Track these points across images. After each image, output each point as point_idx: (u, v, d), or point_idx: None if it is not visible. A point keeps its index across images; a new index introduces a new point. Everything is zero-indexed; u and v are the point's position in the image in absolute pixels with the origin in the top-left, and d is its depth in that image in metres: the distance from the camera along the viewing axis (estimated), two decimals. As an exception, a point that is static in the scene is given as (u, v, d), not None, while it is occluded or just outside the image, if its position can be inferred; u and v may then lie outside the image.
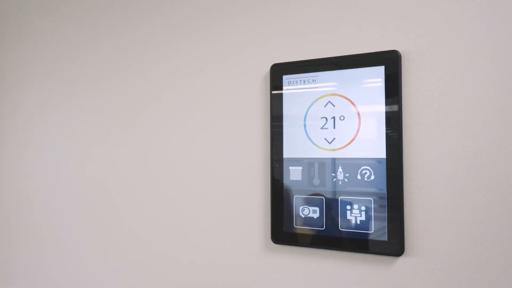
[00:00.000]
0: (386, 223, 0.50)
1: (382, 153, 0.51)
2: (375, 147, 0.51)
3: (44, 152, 0.81)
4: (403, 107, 0.51)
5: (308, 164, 0.55)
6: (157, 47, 0.69)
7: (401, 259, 0.51)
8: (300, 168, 0.56)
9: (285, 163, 0.57)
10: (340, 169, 0.53)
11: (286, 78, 0.57)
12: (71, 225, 0.77)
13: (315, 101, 0.55)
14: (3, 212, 0.86)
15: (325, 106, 0.54)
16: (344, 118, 0.53)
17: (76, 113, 0.77)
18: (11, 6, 0.87)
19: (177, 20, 0.67)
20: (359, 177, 0.52)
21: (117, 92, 0.73)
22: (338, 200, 0.53)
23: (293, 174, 0.56)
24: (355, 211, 0.52)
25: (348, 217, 0.53)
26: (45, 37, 0.82)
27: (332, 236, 0.54)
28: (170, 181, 0.67)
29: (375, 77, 0.51)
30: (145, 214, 0.69)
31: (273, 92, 0.58)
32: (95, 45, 0.76)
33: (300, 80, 0.56)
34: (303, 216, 0.55)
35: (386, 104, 0.51)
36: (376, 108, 0.51)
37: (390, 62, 0.51)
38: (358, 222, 0.52)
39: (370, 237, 0.51)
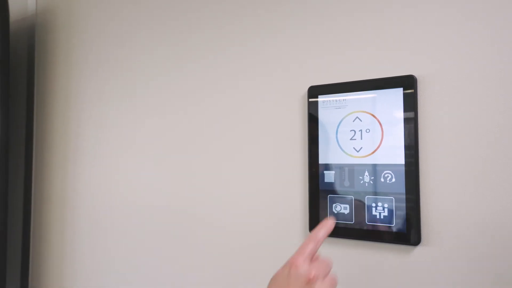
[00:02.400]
0: (405, 218, 0.61)
1: (401, 160, 0.61)
2: (395, 154, 0.62)
3: (119, 160, 0.97)
4: (418, 122, 0.61)
5: (340, 169, 0.67)
6: (214, 71, 0.83)
7: (418, 248, 0.61)
8: (333, 172, 0.67)
9: (320, 168, 0.69)
10: (366, 173, 0.64)
11: (321, 97, 0.69)
12: (145, 221, 0.92)
13: (345, 116, 0.67)
14: (85, 212, 1.03)
15: (353, 121, 0.66)
16: (369, 131, 0.65)
17: (146, 128, 0.93)
18: (94, 36, 1.05)
19: (226, 42, 0.81)
20: (382, 179, 0.63)
21: (183, 108, 0.88)
22: (365, 198, 0.64)
23: (327, 177, 0.68)
24: (379, 208, 0.63)
25: (373, 212, 0.64)
26: (121, 64, 0.99)
27: (360, 229, 0.65)
28: (229, 179, 0.80)
29: (395, 97, 0.62)
30: (209, 209, 0.83)
31: (310, 108, 0.70)
32: (158, 71, 0.91)
33: (333, 100, 0.68)
34: (335, 212, 0.67)
35: (404, 119, 0.61)
36: (396, 123, 0.62)
37: (407, 85, 0.61)
38: (382, 217, 0.63)
39: (392, 230, 0.62)
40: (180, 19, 0.89)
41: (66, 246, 1.06)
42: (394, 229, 0.62)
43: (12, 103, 1.12)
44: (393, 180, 0.62)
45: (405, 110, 0.62)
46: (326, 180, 0.68)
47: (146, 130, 0.93)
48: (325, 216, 0.68)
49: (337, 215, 0.66)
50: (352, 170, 0.66)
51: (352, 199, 0.65)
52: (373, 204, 0.64)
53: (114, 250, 0.97)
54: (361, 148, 0.65)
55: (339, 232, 0.66)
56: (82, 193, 1.03)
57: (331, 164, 0.68)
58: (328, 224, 0.51)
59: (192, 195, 0.85)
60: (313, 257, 0.48)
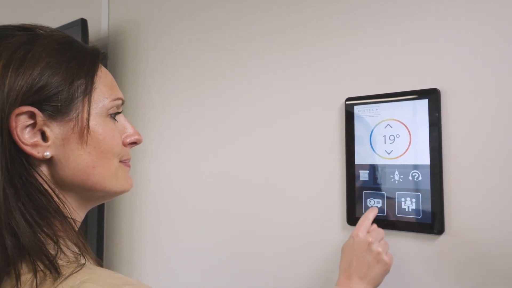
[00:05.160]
0: (430, 210, 0.71)
1: (427, 161, 0.72)
2: (421, 156, 0.72)
3: (179, 162, 1.13)
4: (442, 127, 0.71)
5: (373, 168, 0.78)
6: (265, 80, 0.97)
7: (442, 237, 0.71)
8: (367, 171, 0.79)
9: (356, 168, 0.80)
10: (396, 172, 0.75)
11: (356, 107, 0.81)
12: (205, 214, 1.07)
13: (378, 124, 0.78)
14: (150, 205, 1.20)
15: (385, 127, 0.77)
16: (399, 136, 0.75)
17: (203, 129, 1.08)
18: (158, 55, 1.22)
19: (279, 55, 0.94)
20: (410, 178, 0.73)
21: (239, 116, 1.02)
22: (395, 194, 0.75)
23: (362, 176, 0.79)
24: (408, 202, 0.74)
25: (403, 206, 0.74)
26: (183, 79, 1.15)
27: (391, 220, 0.75)
28: (277, 178, 0.94)
29: (422, 107, 0.73)
30: (260, 203, 0.97)
31: (347, 117, 0.82)
32: (212, 83, 1.06)
33: (367, 109, 0.79)
34: (369, 206, 0.78)
35: (430, 125, 0.72)
36: (422, 129, 0.72)
37: (432, 97, 0.72)
38: (410, 210, 0.73)
39: (419, 221, 0.72)
40: (237, 37, 1.03)
41: (134, 237, 1.23)
42: (421, 220, 0.72)
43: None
44: (420, 178, 0.72)
45: (430, 118, 0.72)
46: (361, 178, 0.79)
47: (204, 136, 1.08)
48: (361, 209, 0.79)
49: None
50: (384, 170, 0.77)
51: (384, 195, 0.76)
52: (402, 199, 0.74)
53: (174, 236, 1.13)
54: (392, 150, 0.76)
55: (373, 223, 0.77)
56: (147, 190, 1.21)
57: (365, 164, 0.79)
58: (374, 209, 0.74)
59: (245, 192, 0.99)
60: (368, 229, 0.70)
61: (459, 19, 0.71)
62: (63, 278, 0.36)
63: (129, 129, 0.52)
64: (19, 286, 0.36)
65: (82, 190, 0.46)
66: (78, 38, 1.22)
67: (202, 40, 1.10)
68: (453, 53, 0.71)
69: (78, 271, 0.37)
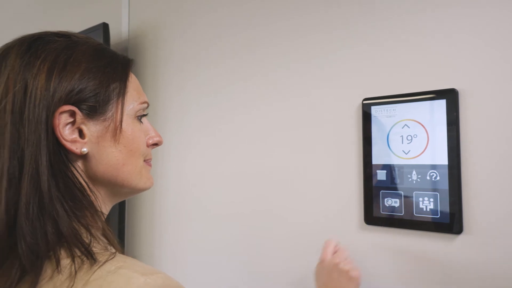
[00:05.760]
0: (448, 210, 0.71)
1: (445, 161, 0.72)
2: (439, 156, 0.73)
3: (196, 161, 1.16)
4: (460, 127, 0.71)
5: (390, 168, 0.78)
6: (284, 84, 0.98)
7: (460, 237, 0.71)
8: (385, 171, 0.79)
9: (373, 168, 0.81)
10: (414, 172, 0.76)
11: (373, 108, 0.81)
12: (223, 210, 1.10)
13: (395, 124, 0.78)
14: (169, 201, 1.23)
15: (402, 127, 0.77)
16: (416, 136, 0.76)
17: (220, 129, 1.10)
18: (176, 58, 1.25)
19: (296, 57, 0.96)
20: (428, 177, 0.74)
21: (257, 115, 1.04)
22: (413, 193, 0.75)
23: (380, 176, 0.80)
24: (426, 202, 0.74)
25: (420, 206, 0.75)
26: (200, 81, 1.17)
27: (408, 220, 0.76)
28: (295, 177, 0.95)
29: (439, 107, 0.73)
30: (280, 202, 0.98)
31: (364, 117, 0.82)
32: (230, 84, 1.08)
33: (384, 109, 0.80)
34: (387, 205, 0.79)
35: (448, 125, 0.72)
36: (440, 129, 0.73)
37: (450, 97, 0.72)
38: (428, 210, 0.74)
39: (437, 220, 0.72)
40: (254, 38, 1.05)
41: (154, 233, 1.26)
42: (439, 220, 0.72)
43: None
44: (438, 178, 0.73)
45: (448, 119, 0.72)
46: (379, 178, 0.80)
47: (221, 137, 1.10)
48: (378, 209, 0.79)
49: (389, 208, 0.78)
50: (402, 170, 0.77)
51: (401, 194, 0.77)
52: (420, 199, 0.75)
53: (191, 233, 1.15)
54: (409, 151, 0.76)
55: (390, 222, 0.78)
56: (167, 187, 1.23)
57: (383, 164, 0.79)
58: (333, 243, 0.77)
59: (261, 191, 1.00)
60: (333, 252, 0.75)
61: (477, 20, 0.71)
62: (100, 264, 0.39)
63: (152, 131, 0.55)
64: (59, 269, 0.39)
65: (111, 186, 0.49)
66: (100, 41, 1.25)
67: (220, 41, 1.12)
68: (471, 53, 0.72)
69: (112, 258, 0.40)
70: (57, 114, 0.43)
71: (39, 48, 0.44)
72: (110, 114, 0.47)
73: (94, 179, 0.47)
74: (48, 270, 0.39)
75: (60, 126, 0.43)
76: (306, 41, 0.94)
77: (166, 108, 1.26)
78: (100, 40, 1.26)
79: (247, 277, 1.02)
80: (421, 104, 0.75)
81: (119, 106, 0.48)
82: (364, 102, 0.83)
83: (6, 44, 0.46)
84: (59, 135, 0.43)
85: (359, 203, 0.83)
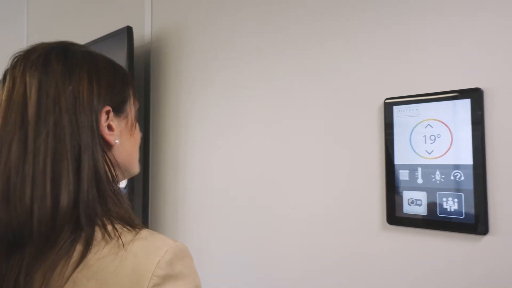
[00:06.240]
0: (473, 211, 0.70)
1: (469, 161, 0.71)
2: (464, 156, 0.72)
3: (220, 154, 1.17)
4: (485, 127, 0.70)
5: (413, 168, 0.78)
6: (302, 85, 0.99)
7: (486, 237, 0.70)
8: (407, 171, 0.79)
9: (396, 168, 0.80)
10: (437, 172, 0.75)
11: (395, 108, 0.81)
12: (237, 206, 1.11)
13: (418, 124, 0.78)
14: (189, 198, 1.25)
15: (425, 127, 0.77)
16: (440, 136, 0.75)
17: (241, 128, 1.12)
18: (199, 60, 1.27)
19: (318, 60, 0.96)
20: (452, 177, 0.73)
21: (276, 115, 1.05)
22: (436, 194, 0.75)
23: (402, 175, 0.79)
24: (450, 202, 0.73)
25: (444, 206, 0.74)
26: (221, 82, 1.19)
27: (432, 220, 0.75)
28: (319, 177, 0.96)
29: (463, 107, 0.72)
30: (301, 202, 0.99)
31: (386, 117, 0.82)
32: (250, 84, 1.09)
33: (407, 109, 0.79)
34: (410, 205, 0.78)
35: (472, 125, 0.71)
36: (464, 129, 0.72)
37: (475, 97, 0.71)
38: (452, 210, 0.73)
39: (461, 221, 0.72)
40: (275, 40, 1.06)
41: (177, 225, 1.29)
42: (464, 221, 0.72)
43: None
44: (462, 178, 0.72)
45: (472, 118, 0.71)
46: (401, 178, 0.80)
47: (242, 135, 1.12)
48: (401, 209, 0.79)
49: (412, 208, 0.78)
50: (425, 170, 0.77)
51: (425, 194, 0.76)
52: (444, 199, 0.74)
53: (213, 226, 1.17)
54: (433, 151, 0.76)
55: (413, 222, 0.77)
56: (190, 177, 1.26)
57: (405, 164, 0.79)
58: None
59: (283, 190, 1.01)
60: None
61: (502, 18, 0.70)
62: (137, 230, 0.49)
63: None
64: (108, 231, 0.48)
65: (123, 170, 0.59)
66: (125, 44, 1.29)
67: (241, 43, 1.14)
68: (496, 52, 0.70)
69: (139, 231, 0.49)
70: (102, 113, 0.53)
71: (74, 57, 0.53)
72: (127, 112, 0.58)
73: (117, 165, 0.56)
74: (98, 233, 0.48)
75: (103, 122, 0.53)
76: (329, 42, 0.94)
77: (188, 106, 1.28)
78: (125, 43, 1.29)
79: (264, 276, 1.03)
80: (445, 104, 0.75)
81: (132, 106, 0.59)
82: (386, 101, 0.82)
83: (35, 48, 0.53)
84: (102, 128, 0.53)
85: (381, 203, 0.83)
